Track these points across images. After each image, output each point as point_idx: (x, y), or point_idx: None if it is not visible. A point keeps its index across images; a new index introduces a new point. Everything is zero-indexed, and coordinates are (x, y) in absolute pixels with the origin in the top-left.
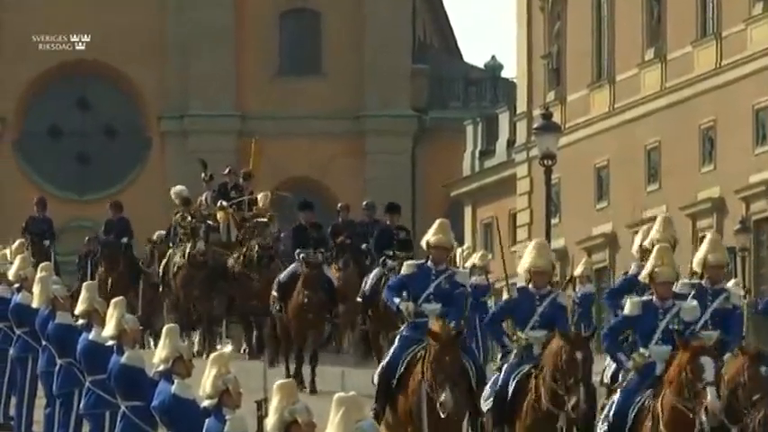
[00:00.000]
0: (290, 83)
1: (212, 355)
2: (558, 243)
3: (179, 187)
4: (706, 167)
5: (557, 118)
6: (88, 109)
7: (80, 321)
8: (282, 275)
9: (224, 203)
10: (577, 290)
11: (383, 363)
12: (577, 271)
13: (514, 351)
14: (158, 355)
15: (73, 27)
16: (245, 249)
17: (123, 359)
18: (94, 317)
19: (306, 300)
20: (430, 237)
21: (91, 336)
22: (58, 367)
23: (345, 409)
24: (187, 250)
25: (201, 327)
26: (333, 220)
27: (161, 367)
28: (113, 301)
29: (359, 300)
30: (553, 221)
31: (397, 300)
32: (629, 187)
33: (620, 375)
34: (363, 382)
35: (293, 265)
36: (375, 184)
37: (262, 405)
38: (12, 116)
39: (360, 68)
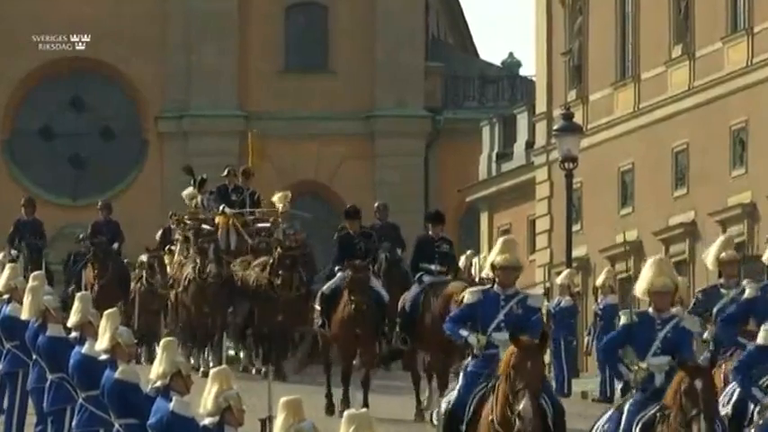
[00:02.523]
0: (297, 81)
1: (213, 371)
2: (579, 251)
3: (190, 190)
4: (737, 171)
5: (578, 119)
6: (82, 109)
7: (72, 334)
8: (326, 288)
9: (227, 210)
10: (599, 301)
11: (448, 402)
12: (599, 281)
13: (633, 384)
14: (155, 370)
15: (72, 25)
16: (270, 260)
17: (117, 374)
18: (88, 329)
19: (354, 306)
20: (495, 257)
21: (84, 349)
22: (48, 383)
23: (356, 427)
24: (197, 267)
25: (209, 344)
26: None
27: (158, 383)
28: (106, 313)
29: (397, 319)
30: (574, 228)
31: (464, 332)
32: (655, 192)
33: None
34: (383, 404)
35: (337, 278)
36: (386, 189)
37: (266, 423)
38: (1, 116)
39: (370, 66)
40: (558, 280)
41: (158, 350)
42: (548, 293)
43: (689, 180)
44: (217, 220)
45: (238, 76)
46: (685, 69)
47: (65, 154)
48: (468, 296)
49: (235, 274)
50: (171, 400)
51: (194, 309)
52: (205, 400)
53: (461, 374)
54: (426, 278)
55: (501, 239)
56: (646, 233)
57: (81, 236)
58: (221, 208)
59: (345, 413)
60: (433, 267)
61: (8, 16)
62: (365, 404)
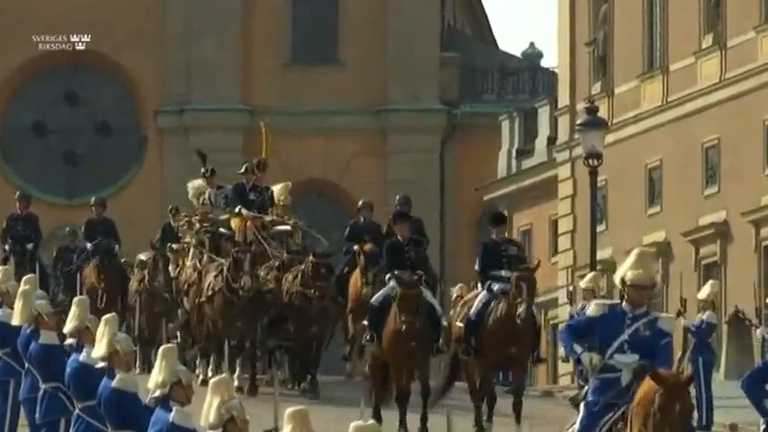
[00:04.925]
0: (304, 73)
1: (213, 381)
2: (604, 253)
3: (199, 182)
4: None
5: (603, 113)
6: (77, 103)
7: (69, 341)
8: (374, 299)
9: (244, 211)
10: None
11: None
12: None
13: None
14: (154, 379)
15: (69, 17)
16: (302, 266)
17: (114, 383)
18: (86, 336)
19: (404, 327)
20: (626, 271)
21: (81, 357)
22: (41, 393)
23: None
24: (224, 272)
25: (240, 358)
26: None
27: (157, 393)
28: (105, 318)
29: (459, 325)
30: (599, 229)
31: (578, 349)
32: (684, 190)
33: None
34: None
35: (386, 289)
36: (399, 187)
37: None
38: None
39: (382, 57)
40: (582, 284)
41: (157, 357)
42: (571, 298)
43: (720, 178)
44: (232, 222)
45: (242, 69)
46: (716, 60)
47: (59, 150)
48: (592, 308)
49: (267, 283)
50: (171, 411)
51: (222, 321)
52: (207, 412)
53: (582, 405)
54: (496, 286)
55: (635, 252)
56: (674, 234)
57: (70, 230)
58: (238, 209)
59: (352, 425)
60: (503, 273)
61: (5, 12)
62: (423, 419)
